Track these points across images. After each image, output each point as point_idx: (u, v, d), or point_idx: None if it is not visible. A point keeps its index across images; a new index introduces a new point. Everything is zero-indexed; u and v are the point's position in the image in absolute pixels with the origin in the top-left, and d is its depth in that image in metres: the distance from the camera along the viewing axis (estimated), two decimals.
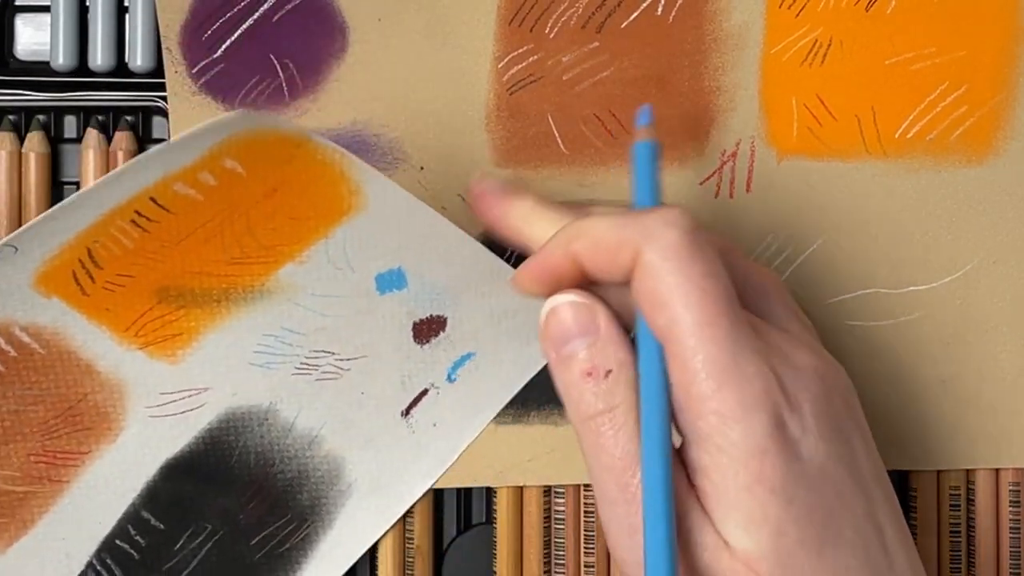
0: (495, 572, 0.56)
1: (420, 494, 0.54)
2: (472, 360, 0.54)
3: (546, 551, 0.56)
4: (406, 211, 0.50)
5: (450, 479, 0.55)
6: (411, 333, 0.53)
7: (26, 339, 0.49)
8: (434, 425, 0.54)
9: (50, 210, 0.46)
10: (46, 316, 0.49)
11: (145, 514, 0.52)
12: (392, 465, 0.54)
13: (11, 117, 0.55)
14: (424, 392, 0.54)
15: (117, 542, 0.52)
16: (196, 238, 0.49)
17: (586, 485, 0.55)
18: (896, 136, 0.55)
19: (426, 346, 0.53)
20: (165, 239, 0.48)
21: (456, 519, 0.56)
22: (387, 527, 0.54)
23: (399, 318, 0.53)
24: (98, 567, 0.52)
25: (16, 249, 0.46)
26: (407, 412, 0.54)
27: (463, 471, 0.55)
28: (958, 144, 0.55)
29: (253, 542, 0.53)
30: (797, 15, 0.55)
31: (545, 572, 0.56)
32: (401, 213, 0.50)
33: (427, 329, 0.53)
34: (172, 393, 0.51)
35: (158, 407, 0.51)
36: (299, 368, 0.52)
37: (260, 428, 0.53)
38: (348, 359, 0.53)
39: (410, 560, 0.55)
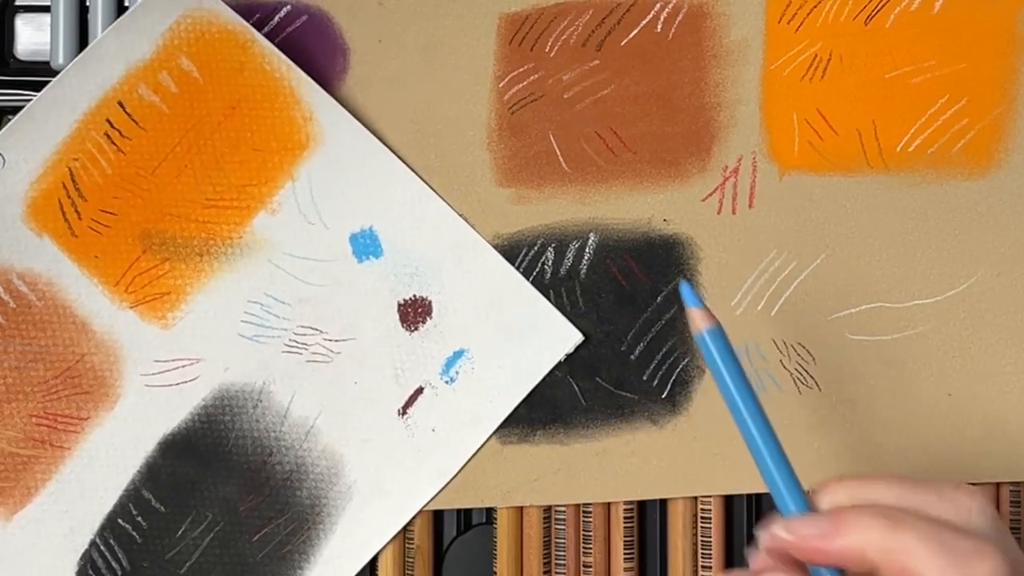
0: (495, 572, 0.55)
1: (423, 504, 0.54)
2: (466, 358, 0.54)
3: (546, 551, 0.56)
4: (363, 148, 0.53)
5: (455, 499, 0.55)
6: (397, 316, 0.54)
7: (23, 288, 0.52)
8: (433, 430, 0.54)
9: (27, 107, 0.51)
10: (40, 262, 0.52)
11: (146, 493, 0.53)
12: (392, 470, 0.54)
13: (11, 117, 0.55)
14: (420, 390, 0.54)
15: (119, 521, 0.53)
16: (169, 167, 0.52)
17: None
18: (897, 150, 0.55)
19: (415, 334, 0.54)
20: (140, 164, 0.52)
21: (456, 519, 0.56)
22: (389, 537, 0.54)
23: (382, 295, 0.54)
24: (101, 546, 0.53)
25: (3, 160, 0.51)
26: (404, 411, 0.54)
27: (468, 491, 0.55)
28: (960, 157, 0.55)
29: (254, 539, 0.54)
30: (797, 30, 0.55)
31: (545, 572, 0.56)
32: (359, 150, 0.53)
33: (413, 313, 0.54)
34: (166, 361, 0.53)
35: (153, 375, 0.53)
36: (289, 345, 0.53)
37: (255, 411, 0.53)
38: (337, 340, 0.54)
39: (410, 560, 0.55)
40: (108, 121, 0.52)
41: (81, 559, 0.53)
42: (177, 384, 0.53)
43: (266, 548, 0.54)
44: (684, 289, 0.44)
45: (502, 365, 0.54)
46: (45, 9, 0.56)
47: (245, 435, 0.53)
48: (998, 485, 0.56)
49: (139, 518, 0.53)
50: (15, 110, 0.55)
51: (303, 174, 0.53)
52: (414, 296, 0.54)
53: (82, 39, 0.56)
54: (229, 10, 0.52)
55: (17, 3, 0.56)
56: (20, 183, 0.52)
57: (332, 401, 0.54)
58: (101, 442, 0.53)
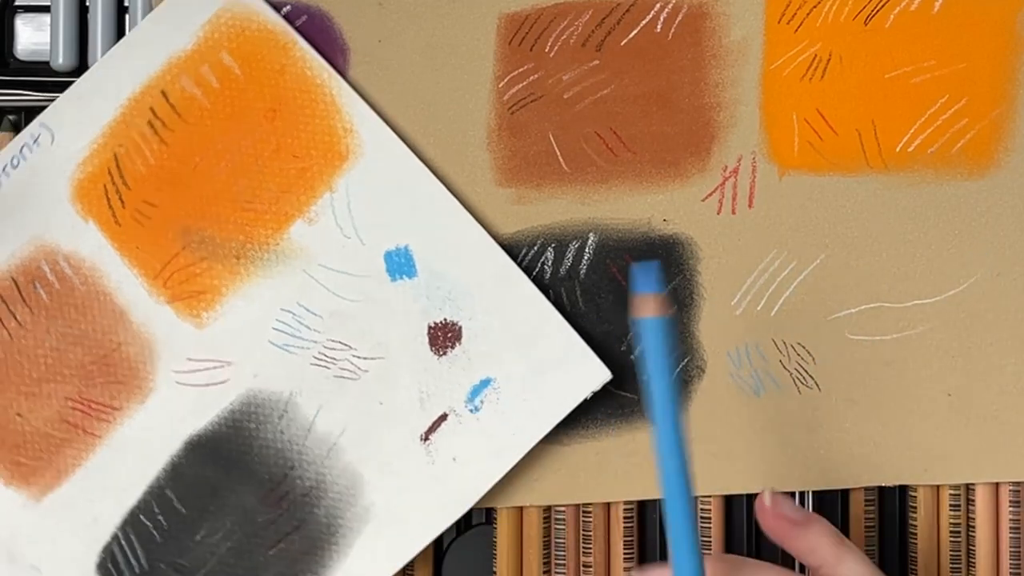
0: (495, 572, 0.55)
1: (437, 534, 0.54)
2: (492, 388, 0.53)
3: (546, 551, 0.56)
4: (403, 166, 0.53)
5: None
6: (427, 338, 0.53)
7: (68, 271, 0.53)
8: (454, 459, 0.53)
9: (73, 85, 0.53)
10: (86, 246, 0.53)
11: (169, 492, 0.54)
12: (411, 496, 0.53)
13: (11, 117, 0.55)
14: (443, 417, 0.53)
15: (142, 518, 0.54)
16: (209, 164, 0.53)
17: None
18: (897, 150, 0.55)
19: (443, 359, 0.53)
20: (182, 158, 0.53)
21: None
22: (401, 565, 0.53)
23: (413, 316, 0.54)
24: (122, 541, 0.54)
25: (53, 137, 0.53)
26: (426, 437, 0.53)
27: None
28: (959, 157, 0.55)
29: (270, 553, 0.53)
30: (796, 30, 0.55)
31: (545, 572, 0.56)
32: (398, 168, 0.53)
33: (443, 337, 0.53)
34: (198, 360, 0.54)
35: (185, 373, 0.54)
36: (317, 359, 0.54)
37: (280, 421, 0.53)
38: (365, 358, 0.53)
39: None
40: (152, 110, 0.53)
41: (103, 551, 0.54)
42: (207, 385, 0.54)
43: (279, 565, 0.53)
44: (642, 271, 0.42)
45: (527, 398, 0.53)
46: (45, 9, 0.56)
47: (269, 445, 0.53)
48: (997, 485, 0.56)
49: (160, 517, 0.54)
50: (15, 110, 0.55)
51: (342, 186, 0.53)
52: (445, 320, 0.54)
53: (82, 39, 0.56)
54: (269, 8, 0.53)
55: (17, 3, 0.56)
56: (69, 162, 0.53)
57: (357, 419, 0.54)
58: (131, 434, 0.54)
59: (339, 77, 0.53)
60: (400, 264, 0.54)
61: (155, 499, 0.54)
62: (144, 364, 0.54)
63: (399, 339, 0.54)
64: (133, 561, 0.53)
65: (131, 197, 0.53)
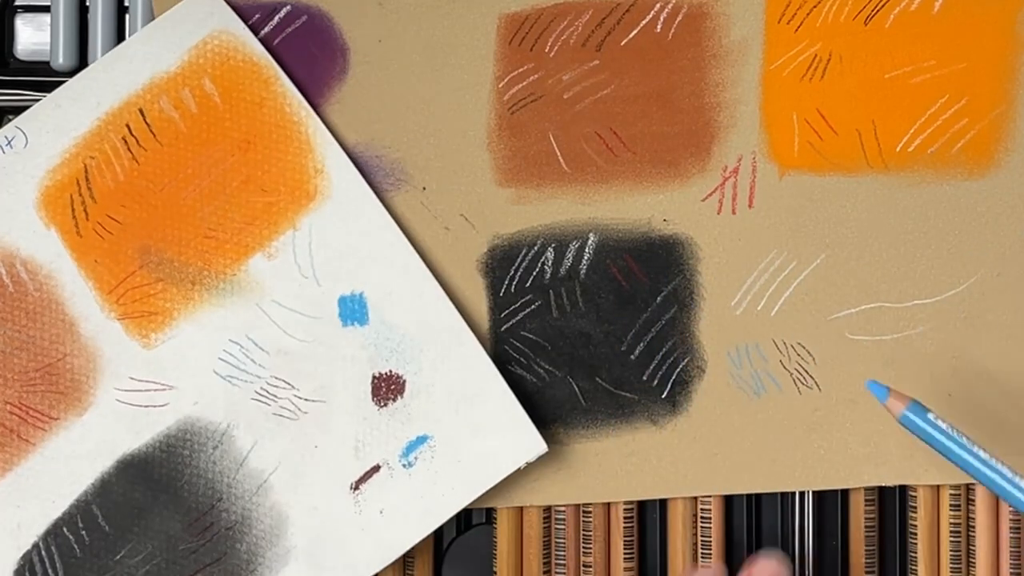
0: (495, 572, 0.56)
1: None
2: (428, 446, 0.53)
3: (546, 551, 0.56)
4: (369, 213, 0.53)
5: None
6: (370, 388, 0.54)
7: (24, 275, 0.53)
8: (381, 512, 0.53)
9: (53, 93, 0.53)
10: (44, 253, 0.53)
11: (95, 509, 0.53)
12: (333, 544, 0.53)
13: (11, 117, 0.55)
14: (376, 468, 0.53)
15: (65, 530, 0.53)
16: (178, 188, 0.53)
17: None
18: (897, 150, 0.55)
19: (383, 410, 0.54)
20: (151, 178, 0.53)
21: (456, 519, 0.56)
22: None
23: (359, 364, 0.54)
24: (43, 551, 0.53)
25: (27, 140, 0.53)
26: (357, 486, 0.53)
27: None
28: (959, 157, 0.55)
29: None
30: (796, 30, 0.55)
31: (545, 572, 0.56)
32: (364, 214, 0.53)
33: (386, 388, 0.53)
34: (141, 381, 0.54)
35: (126, 392, 0.54)
36: (259, 394, 0.54)
37: (214, 452, 0.53)
38: (307, 400, 0.54)
39: (410, 560, 0.55)
40: (127, 126, 0.53)
41: (22, 559, 0.53)
42: (146, 406, 0.54)
43: None
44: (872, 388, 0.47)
45: (461, 460, 0.53)
46: (45, 9, 0.56)
47: (200, 474, 0.53)
48: None
49: (84, 532, 0.53)
50: (15, 110, 0.55)
51: (305, 225, 0.54)
52: (390, 372, 0.54)
53: (82, 39, 0.56)
54: (257, 42, 0.54)
55: (17, 3, 0.56)
56: (39, 167, 0.53)
57: (290, 459, 0.54)
58: (65, 446, 0.53)
59: (316, 117, 0.54)
60: (353, 310, 0.54)
61: (81, 513, 0.53)
62: (87, 378, 0.54)
63: (342, 385, 0.54)
64: (51, 572, 0.53)
65: (96, 210, 0.53)
